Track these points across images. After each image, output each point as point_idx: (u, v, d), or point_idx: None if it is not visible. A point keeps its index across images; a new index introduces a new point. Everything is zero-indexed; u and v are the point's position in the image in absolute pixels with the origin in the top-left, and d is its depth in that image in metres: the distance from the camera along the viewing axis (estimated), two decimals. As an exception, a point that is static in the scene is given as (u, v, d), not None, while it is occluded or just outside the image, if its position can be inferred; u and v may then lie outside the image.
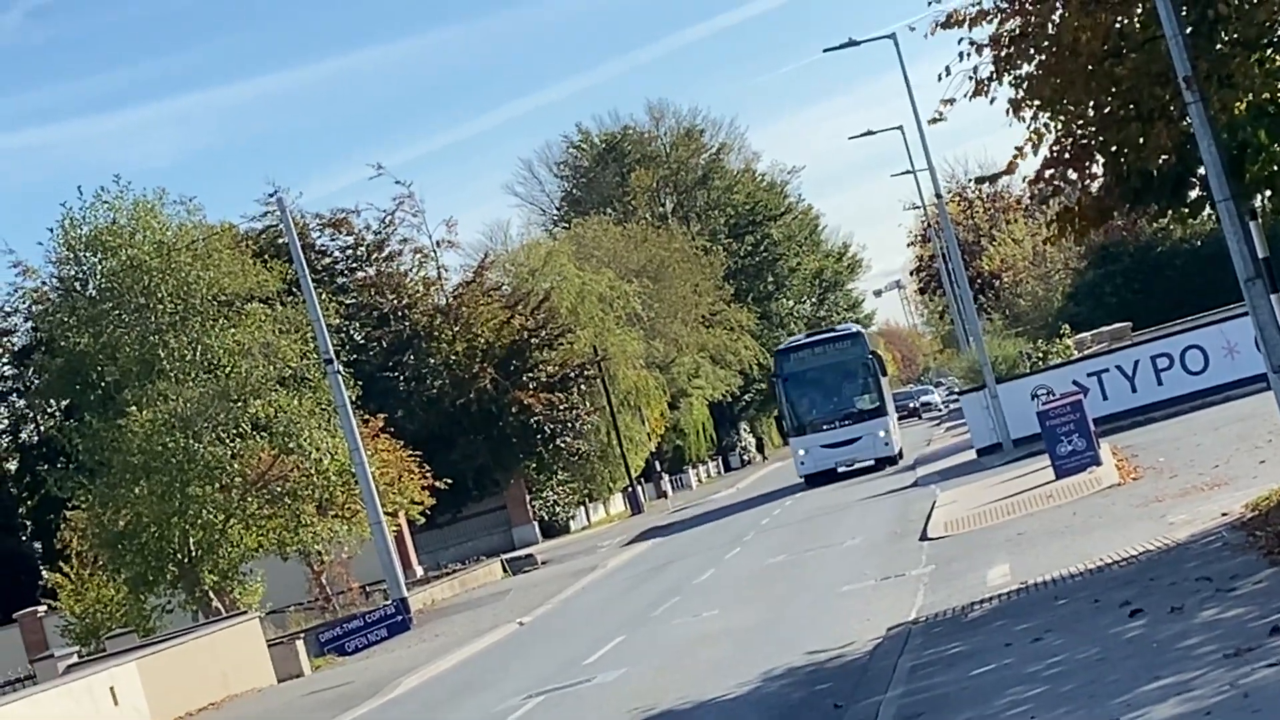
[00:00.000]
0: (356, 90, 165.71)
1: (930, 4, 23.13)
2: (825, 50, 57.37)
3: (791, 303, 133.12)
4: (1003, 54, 22.68)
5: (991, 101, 22.84)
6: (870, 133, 73.56)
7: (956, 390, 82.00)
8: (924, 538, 35.35)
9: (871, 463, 68.68)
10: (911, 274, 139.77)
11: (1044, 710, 14.89)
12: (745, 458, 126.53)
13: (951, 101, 23.21)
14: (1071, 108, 22.61)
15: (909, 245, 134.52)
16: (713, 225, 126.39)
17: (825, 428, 68.34)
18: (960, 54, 22.94)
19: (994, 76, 22.68)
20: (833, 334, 76.28)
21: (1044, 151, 23.02)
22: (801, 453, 69.33)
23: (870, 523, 41.96)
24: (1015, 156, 23.47)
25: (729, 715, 20.46)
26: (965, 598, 24.11)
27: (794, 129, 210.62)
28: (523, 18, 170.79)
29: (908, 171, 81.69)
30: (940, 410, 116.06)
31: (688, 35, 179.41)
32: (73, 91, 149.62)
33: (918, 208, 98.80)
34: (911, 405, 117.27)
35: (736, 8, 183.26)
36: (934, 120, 23.52)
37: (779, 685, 21.41)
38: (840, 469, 68.38)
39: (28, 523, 79.61)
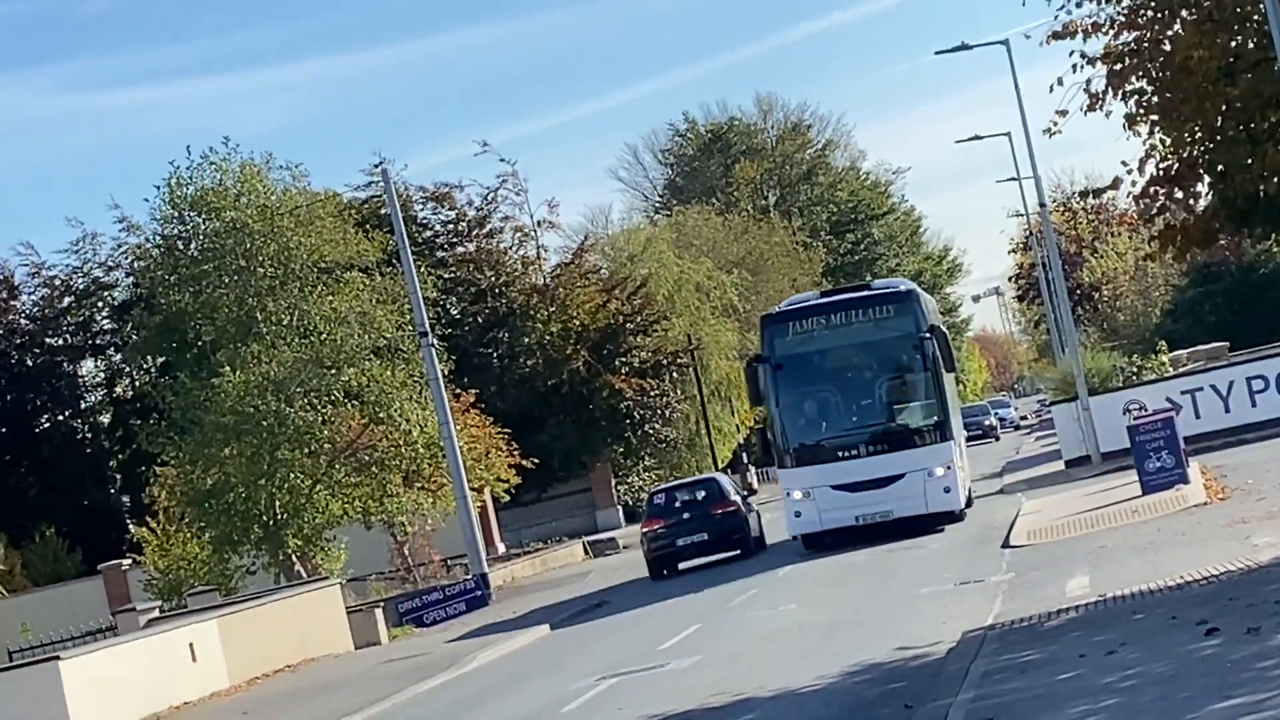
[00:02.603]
0: (466, 67, 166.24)
1: (1055, 16, 23.07)
2: (937, 53, 57.69)
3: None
4: (1116, 68, 22.67)
5: (1107, 115, 22.82)
6: (978, 137, 73.75)
7: (1047, 401, 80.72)
8: (1006, 545, 35.37)
9: (916, 516, 41.58)
10: (1010, 280, 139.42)
11: (1113, 721, 14.97)
12: None
13: (1064, 113, 23.21)
14: (1183, 126, 22.59)
15: (1010, 252, 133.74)
16: (814, 221, 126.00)
17: (841, 456, 41.49)
18: (1074, 65, 22.96)
19: (1108, 90, 22.67)
20: (865, 293, 46.07)
21: (1151, 169, 23.03)
22: (797, 496, 41.82)
23: (954, 527, 41.94)
24: (1131, 172, 23.45)
25: (800, 707, 20.55)
26: (1043, 607, 24.12)
27: (901, 129, 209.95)
28: (638, 4, 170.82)
29: (1013, 179, 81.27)
30: (1017, 428, 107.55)
31: (800, 30, 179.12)
32: (187, 53, 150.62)
33: (1021, 215, 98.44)
34: (986, 423, 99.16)
35: (851, 6, 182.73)
36: (1048, 131, 23.53)
37: (852, 681, 21.50)
38: (861, 522, 41.51)
39: (117, 476, 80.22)
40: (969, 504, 45.11)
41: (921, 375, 42.39)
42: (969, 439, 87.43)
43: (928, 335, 41.69)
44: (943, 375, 42.32)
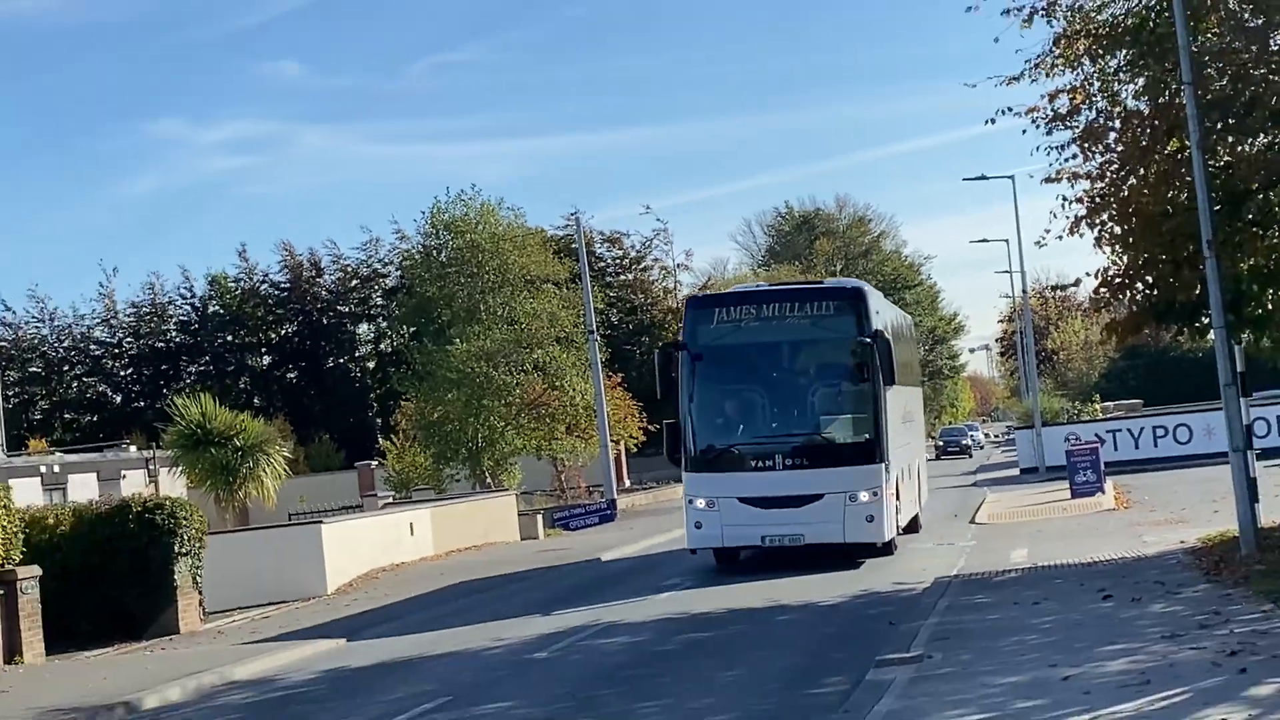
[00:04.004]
0: (641, 151, 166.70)
1: (1051, 164, 22.91)
2: (963, 179, 57.15)
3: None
4: (1091, 206, 22.58)
5: (1080, 237, 22.68)
6: (985, 240, 74.31)
7: (1013, 427, 79.68)
8: (973, 521, 35.15)
9: (830, 545, 26.48)
10: (997, 340, 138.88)
11: (1033, 650, 14.91)
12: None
13: (1049, 232, 23.10)
14: (1130, 250, 22.50)
15: (999, 321, 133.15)
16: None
17: (754, 466, 26.54)
18: (1062, 202, 22.89)
19: (1084, 218, 22.53)
20: (805, 286, 32.16)
21: (1105, 276, 22.91)
22: (700, 505, 26.80)
23: (936, 505, 41.65)
24: (1090, 276, 23.40)
25: (823, 615, 20.54)
26: (994, 566, 24.05)
27: (933, 228, 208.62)
28: (762, 123, 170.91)
29: (1006, 271, 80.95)
30: (981, 448, 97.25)
31: (871, 154, 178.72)
32: (451, 124, 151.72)
33: (1009, 297, 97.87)
34: (963, 441, 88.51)
35: (909, 141, 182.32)
36: (1039, 243, 23.41)
37: (857, 603, 21.49)
38: (767, 543, 26.52)
39: (374, 404, 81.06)
40: (907, 531, 30.38)
41: (856, 385, 26.43)
42: (948, 453, 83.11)
43: (868, 341, 25.98)
44: (881, 388, 26.09)
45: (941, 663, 14.65)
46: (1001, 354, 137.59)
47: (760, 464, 26.23)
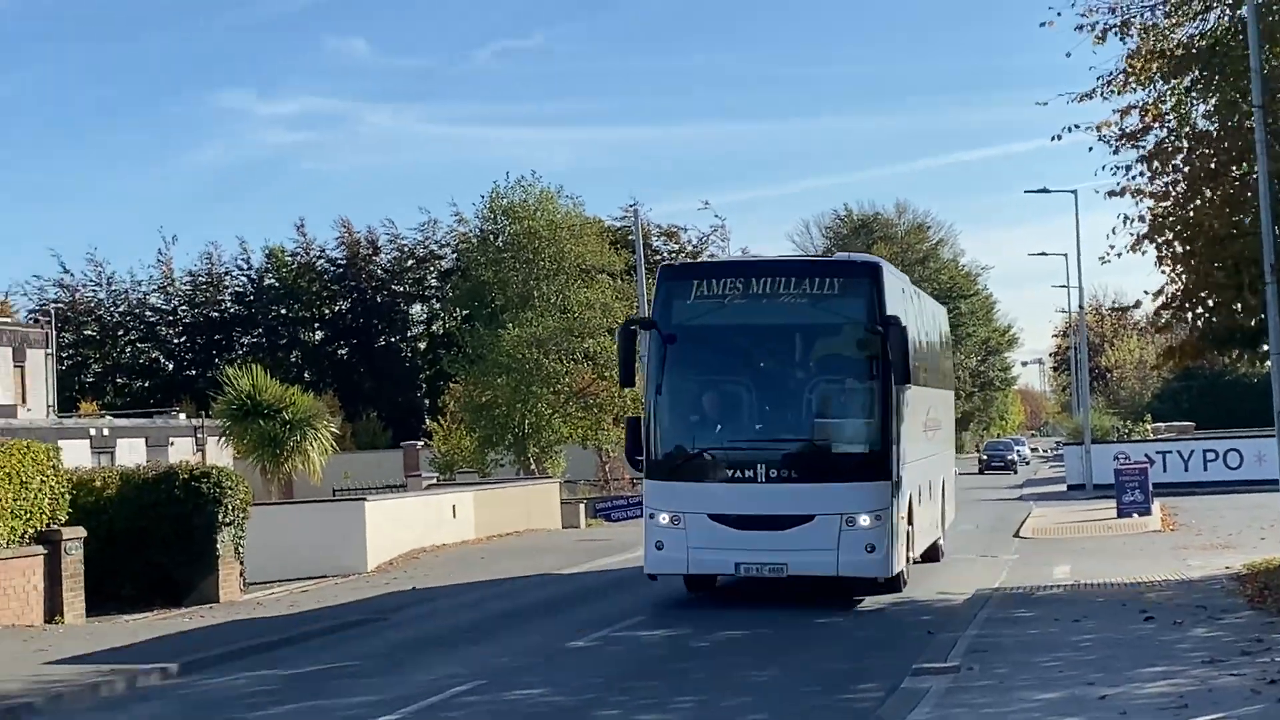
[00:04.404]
0: (703, 148, 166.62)
1: (1116, 181, 22.76)
2: (1025, 191, 56.97)
3: (962, 356, 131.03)
4: (1155, 224, 22.42)
5: (1142, 254, 22.50)
6: (1044, 254, 73.54)
7: (1062, 442, 78.82)
8: (1016, 535, 35.01)
9: (820, 578, 21.44)
10: (1050, 355, 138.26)
11: (1071, 667, 14.82)
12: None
13: (1112, 248, 22.90)
14: (1192, 271, 22.34)
15: (1053, 336, 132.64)
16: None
17: (732, 476, 21.08)
18: (1124, 219, 22.71)
19: (1147, 236, 22.37)
20: (808, 261, 27.21)
21: (1164, 297, 22.78)
22: (663, 521, 21.49)
23: (982, 517, 41.53)
24: (1149, 294, 23.23)
25: (862, 620, 20.44)
26: (1035, 581, 23.94)
27: (993, 238, 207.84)
28: (827, 125, 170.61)
29: (1064, 286, 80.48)
30: (1027, 463, 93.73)
31: (936, 161, 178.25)
32: (514, 110, 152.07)
33: (1065, 312, 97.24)
34: (1009, 456, 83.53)
35: (972, 150, 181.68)
36: (1103, 259, 23.22)
37: (897, 610, 21.38)
38: (742, 572, 21.49)
39: (423, 385, 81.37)
40: (925, 561, 25.94)
41: (863, 382, 21.34)
42: (991, 468, 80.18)
43: (880, 329, 20.92)
44: (894, 387, 21.19)
45: (979, 674, 14.60)
46: (1054, 369, 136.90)
47: (739, 474, 21.06)
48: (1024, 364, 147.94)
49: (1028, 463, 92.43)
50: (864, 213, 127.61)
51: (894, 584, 22.34)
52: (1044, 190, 54.96)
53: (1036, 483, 64.08)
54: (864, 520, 20.88)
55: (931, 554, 27.11)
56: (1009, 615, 19.43)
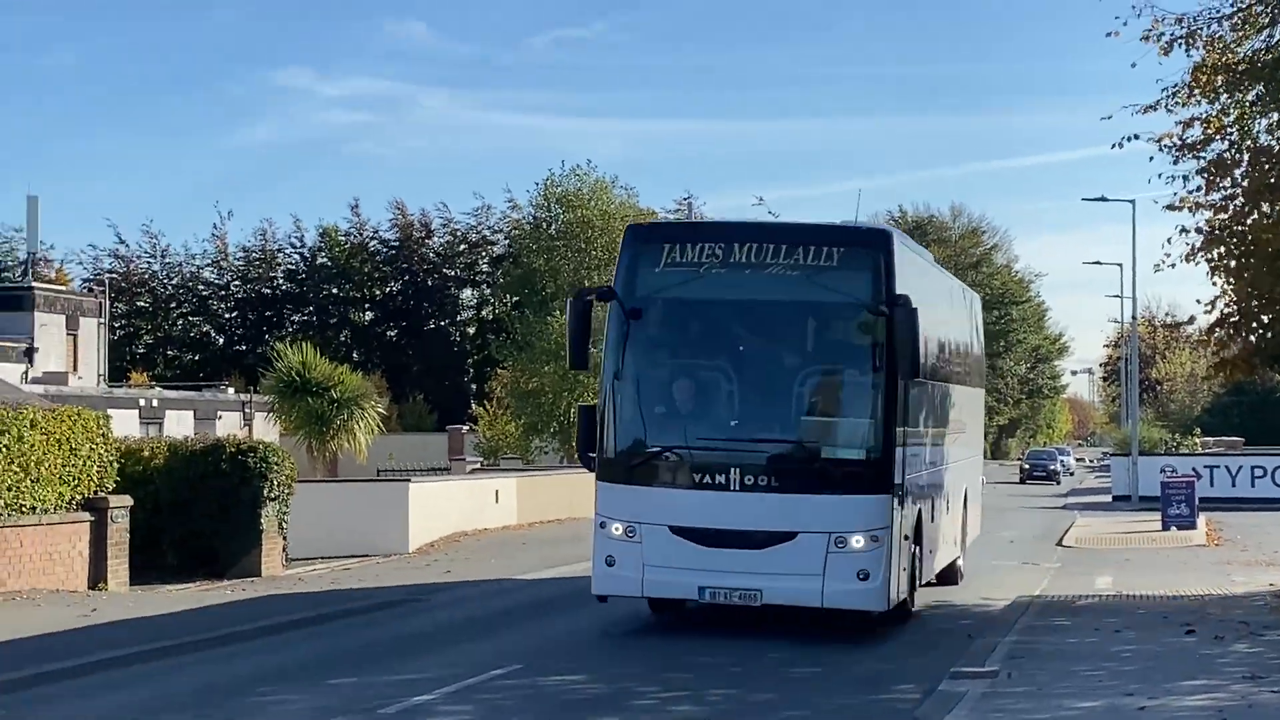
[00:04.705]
0: (760, 143, 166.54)
1: (1175, 193, 22.61)
2: (1083, 199, 56.54)
3: (1011, 363, 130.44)
4: (1206, 237, 22.30)
5: (1196, 265, 22.38)
6: (1099, 263, 72.51)
7: (1109, 453, 77.97)
8: (1059, 544, 34.89)
9: (799, 608, 17.83)
10: (1101, 365, 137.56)
11: (1110, 677, 14.78)
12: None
13: (1168, 257, 22.77)
14: (1247, 285, 22.19)
15: (1104, 346, 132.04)
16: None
17: (699, 480, 17.33)
18: (1180, 229, 22.60)
19: (1201, 248, 22.25)
20: (804, 226, 20.39)
21: (1218, 311, 22.64)
22: (616, 532, 17.78)
23: (1025, 525, 41.36)
24: (1202, 305, 23.09)
25: (903, 622, 20.32)
26: (1077, 590, 23.87)
27: (1047, 245, 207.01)
28: (887, 124, 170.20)
29: (1118, 296, 79.60)
30: (1071, 473, 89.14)
31: (991, 165, 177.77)
32: (568, 99, 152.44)
33: (1117, 322, 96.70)
34: (1051, 467, 79.50)
35: (1029, 157, 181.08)
36: (1158, 268, 23.14)
37: (937, 614, 21.34)
38: (707, 597, 17.60)
39: (470, 370, 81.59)
40: (929, 584, 21.88)
41: (863, 374, 17.71)
42: (1033, 477, 76.75)
43: (885, 310, 17.33)
44: (899, 383, 17.68)
45: (1016, 680, 14.59)
46: (1104, 379, 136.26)
47: (708, 479, 17.47)
48: (1074, 373, 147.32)
49: (1071, 473, 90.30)
50: (919, 214, 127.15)
51: (907, 608, 19.52)
52: (1102, 199, 54.63)
53: (1081, 492, 63.83)
54: (856, 541, 17.38)
55: (948, 575, 23.77)
56: (1049, 623, 19.39)
